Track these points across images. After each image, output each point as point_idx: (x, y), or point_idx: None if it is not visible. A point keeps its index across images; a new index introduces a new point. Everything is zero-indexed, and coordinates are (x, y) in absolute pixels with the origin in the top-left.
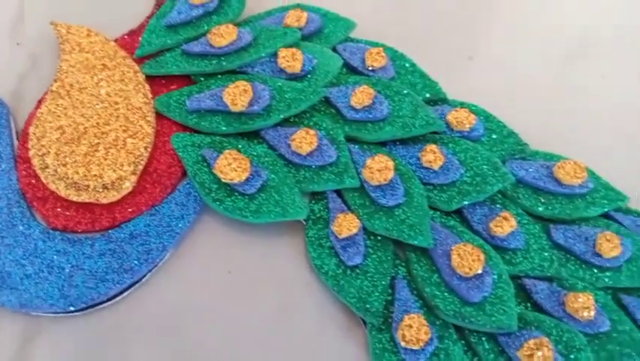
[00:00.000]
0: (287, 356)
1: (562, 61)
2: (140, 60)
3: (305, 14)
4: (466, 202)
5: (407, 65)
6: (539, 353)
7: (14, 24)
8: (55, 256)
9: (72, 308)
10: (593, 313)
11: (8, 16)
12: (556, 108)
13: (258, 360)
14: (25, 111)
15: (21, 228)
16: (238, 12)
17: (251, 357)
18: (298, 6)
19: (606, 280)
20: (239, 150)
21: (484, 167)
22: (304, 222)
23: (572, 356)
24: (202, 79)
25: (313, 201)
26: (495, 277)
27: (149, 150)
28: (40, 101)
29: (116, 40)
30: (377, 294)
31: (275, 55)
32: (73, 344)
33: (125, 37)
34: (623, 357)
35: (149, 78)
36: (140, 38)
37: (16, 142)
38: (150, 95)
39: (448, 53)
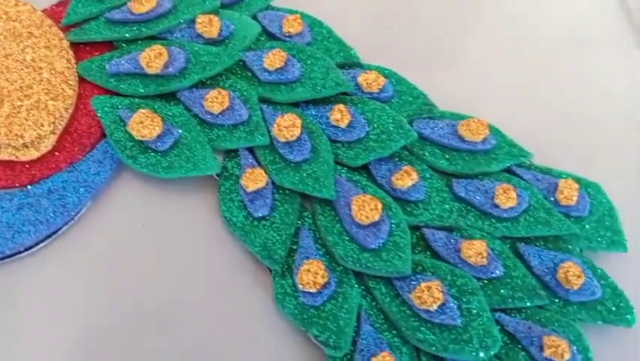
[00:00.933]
0: (198, 301)
1: None
2: (66, 28)
3: None
4: (371, 158)
5: (324, 31)
6: (430, 296)
7: None
8: None
9: None
10: (485, 259)
11: None
12: None
13: (171, 306)
14: None
15: None
16: None
17: (164, 304)
18: None
19: (504, 229)
20: (153, 110)
21: (390, 125)
22: (217, 179)
23: (464, 299)
24: (124, 45)
25: (227, 159)
26: (393, 225)
27: (69, 111)
28: None
29: (44, 11)
30: (281, 243)
31: (193, 21)
32: None
33: (54, 7)
34: (515, 300)
35: (74, 45)
36: (67, 8)
37: None
38: (74, 61)
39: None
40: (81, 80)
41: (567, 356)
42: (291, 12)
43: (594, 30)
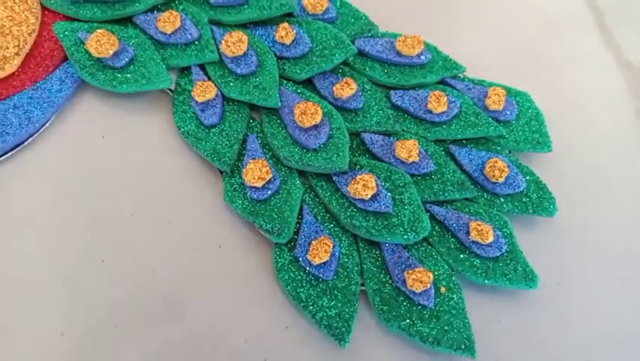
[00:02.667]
0: (154, 203)
1: None
2: None
3: None
4: (314, 72)
5: None
6: (363, 186)
7: None
8: None
9: None
10: (416, 155)
11: None
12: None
13: (129, 208)
14: None
15: None
16: None
17: (124, 207)
18: None
19: (436, 133)
20: (106, 29)
21: (332, 41)
22: (171, 95)
23: (397, 190)
24: None
25: (180, 77)
26: (333, 129)
27: (33, 36)
28: None
29: None
30: (229, 147)
31: None
32: None
33: None
34: (445, 193)
35: None
36: None
37: None
38: None
39: None
40: (44, 8)
41: (491, 238)
42: None
43: None
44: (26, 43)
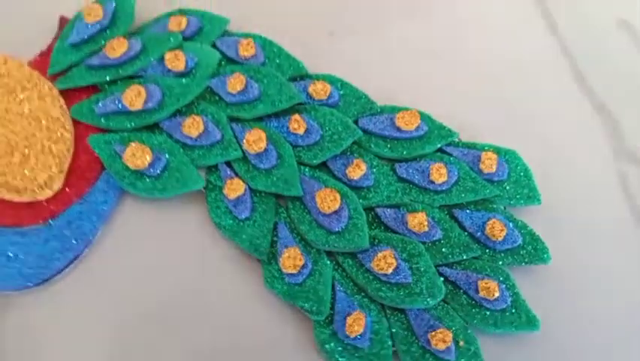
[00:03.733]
0: (204, 292)
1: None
2: (53, 77)
3: (185, 18)
4: (327, 156)
5: (275, 49)
6: (386, 262)
7: None
8: (10, 247)
9: (30, 285)
10: (426, 225)
11: None
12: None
13: (182, 301)
14: None
15: None
16: (128, 25)
17: (176, 300)
18: (180, 11)
19: (440, 200)
20: (141, 141)
21: (339, 126)
22: (204, 191)
23: (413, 260)
24: (106, 86)
25: (209, 174)
26: (351, 210)
27: (70, 151)
28: None
29: (29, 63)
30: (263, 237)
31: (162, 58)
32: (37, 310)
33: (37, 58)
34: (454, 255)
35: (63, 92)
36: (49, 58)
37: None
38: (65, 106)
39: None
40: (75, 121)
41: (497, 294)
42: (245, 36)
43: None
44: (66, 160)
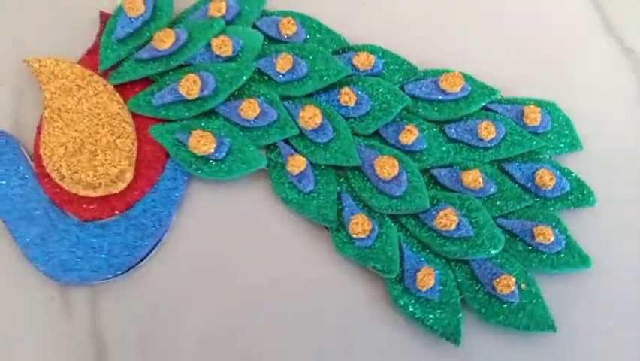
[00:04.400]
0: (280, 263)
1: None
2: (104, 73)
3: (224, 3)
4: (379, 125)
5: (315, 25)
6: (448, 219)
7: None
8: (94, 240)
9: (119, 272)
10: (481, 182)
11: None
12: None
13: (259, 272)
14: (27, 137)
15: (61, 226)
16: (170, 15)
17: (254, 272)
18: None
19: (490, 156)
20: (202, 128)
21: (387, 95)
22: (267, 170)
23: (472, 215)
24: (158, 77)
25: (269, 152)
26: (409, 174)
27: (135, 144)
28: (39, 128)
29: (79, 62)
30: (330, 207)
31: (209, 45)
32: (126, 297)
33: (86, 57)
34: (508, 207)
35: (117, 86)
36: (98, 55)
37: (31, 163)
38: (122, 101)
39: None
40: (133, 115)
41: (552, 238)
42: (284, 14)
43: None
44: (133, 152)
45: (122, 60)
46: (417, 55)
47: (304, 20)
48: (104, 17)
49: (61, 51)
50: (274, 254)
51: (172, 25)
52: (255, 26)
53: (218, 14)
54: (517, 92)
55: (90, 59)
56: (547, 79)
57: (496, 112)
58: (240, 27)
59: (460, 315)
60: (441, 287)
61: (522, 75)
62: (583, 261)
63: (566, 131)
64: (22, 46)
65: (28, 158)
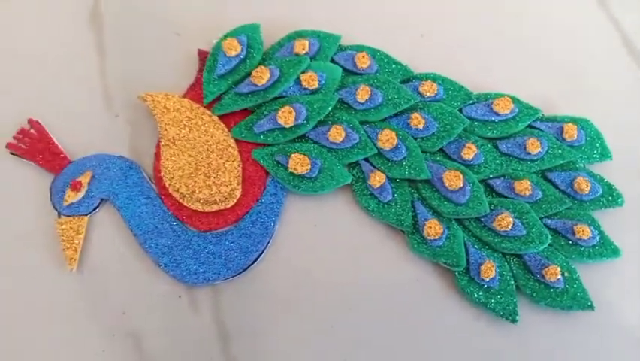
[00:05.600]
0: (365, 263)
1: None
2: (208, 106)
3: (307, 41)
4: (444, 143)
5: (384, 58)
6: (504, 221)
7: (107, 103)
8: (212, 247)
9: (235, 274)
10: (530, 189)
11: (99, 99)
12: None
13: (350, 271)
14: (143, 162)
15: (184, 237)
16: (261, 52)
17: (346, 272)
18: (298, 35)
19: (535, 166)
20: (298, 151)
21: (449, 117)
22: (351, 184)
23: (523, 217)
24: (256, 108)
25: (351, 169)
26: (471, 185)
27: (240, 166)
28: (157, 154)
29: (184, 95)
30: (405, 214)
31: (298, 79)
32: (242, 293)
33: (190, 91)
34: (552, 208)
35: (220, 117)
36: (200, 89)
37: (152, 184)
38: (226, 129)
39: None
40: (236, 141)
41: (589, 234)
42: (357, 49)
43: None
44: (239, 173)
45: (223, 93)
46: (471, 80)
47: (375, 54)
48: (202, 55)
49: (165, 85)
50: (358, 255)
51: (262, 61)
52: (333, 60)
53: (303, 51)
54: (556, 109)
55: (194, 93)
56: (580, 98)
57: (539, 129)
58: (321, 62)
59: (516, 299)
60: (499, 277)
61: (560, 95)
62: (614, 252)
63: (598, 144)
64: (132, 82)
65: (149, 180)
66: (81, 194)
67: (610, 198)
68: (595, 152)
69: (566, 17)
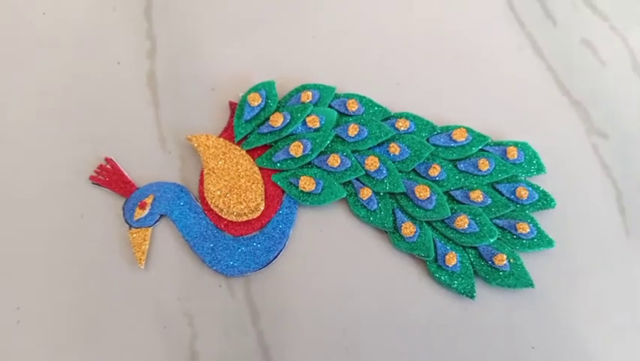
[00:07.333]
0: (352, 254)
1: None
2: (238, 143)
3: (310, 92)
4: (415, 165)
5: (369, 102)
6: (462, 222)
7: (162, 144)
8: (244, 248)
9: (260, 267)
10: (482, 197)
11: (156, 141)
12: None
13: (336, 261)
14: (192, 187)
15: (223, 241)
16: (276, 102)
17: (345, 266)
18: (304, 87)
19: (486, 180)
20: (305, 174)
21: (419, 145)
22: (346, 198)
23: (477, 219)
24: (273, 144)
25: (347, 187)
26: (437, 195)
27: (263, 187)
28: (200, 180)
29: (220, 135)
30: (388, 218)
31: (304, 121)
32: (267, 281)
33: (224, 133)
34: (499, 211)
35: (247, 151)
36: (232, 131)
37: (198, 203)
38: (252, 160)
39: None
40: (259, 168)
41: (528, 230)
42: (348, 96)
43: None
44: (262, 192)
45: (249, 134)
46: (436, 116)
47: (362, 99)
48: (233, 105)
49: (205, 128)
50: (353, 251)
51: (277, 109)
52: (330, 106)
53: (308, 100)
54: (501, 135)
55: (227, 134)
56: (520, 126)
57: (488, 152)
58: (321, 107)
59: (473, 280)
60: (460, 264)
61: (505, 124)
62: (549, 243)
63: (534, 161)
64: (181, 127)
65: (196, 199)
66: (146, 211)
67: (545, 201)
68: (532, 167)
69: (510, 65)
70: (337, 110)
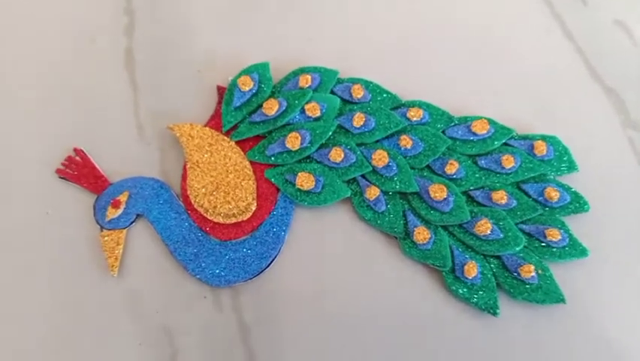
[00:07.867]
0: (357, 261)
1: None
2: (226, 133)
3: (309, 76)
4: (429, 160)
5: (376, 89)
6: (484, 227)
7: (139, 133)
8: (232, 254)
9: (251, 277)
10: (505, 198)
11: (133, 129)
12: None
13: (340, 267)
14: (171, 183)
15: (208, 245)
16: (270, 87)
17: (338, 267)
18: (302, 70)
19: (510, 179)
20: (303, 170)
21: (433, 138)
22: (350, 198)
23: (501, 223)
24: (267, 135)
25: (351, 185)
26: (454, 196)
27: (255, 184)
28: (183, 176)
29: (206, 125)
30: (398, 222)
31: (303, 109)
32: (258, 292)
33: (211, 121)
34: (525, 215)
35: (237, 142)
36: (219, 119)
37: (180, 202)
38: (242, 153)
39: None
40: (251, 162)
41: (559, 237)
42: (353, 81)
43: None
44: (254, 190)
45: (239, 122)
46: (452, 105)
47: (368, 85)
48: (221, 90)
49: (189, 117)
50: (357, 259)
51: (272, 94)
52: (332, 92)
53: (307, 85)
54: (528, 129)
55: (214, 122)
56: (549, 118)
57: (513, 146)
58: (322, 94)
59: (496, 294)
60: (481, 275)
61: (532, 116)
62: (582, 252)
63: (565, 158)
64: (161, 114)
65: (177, 197)
66: (120, 211)
67: (577, 205)
68: (563, 165)
69: (537, 50)
70: (340, 97)
